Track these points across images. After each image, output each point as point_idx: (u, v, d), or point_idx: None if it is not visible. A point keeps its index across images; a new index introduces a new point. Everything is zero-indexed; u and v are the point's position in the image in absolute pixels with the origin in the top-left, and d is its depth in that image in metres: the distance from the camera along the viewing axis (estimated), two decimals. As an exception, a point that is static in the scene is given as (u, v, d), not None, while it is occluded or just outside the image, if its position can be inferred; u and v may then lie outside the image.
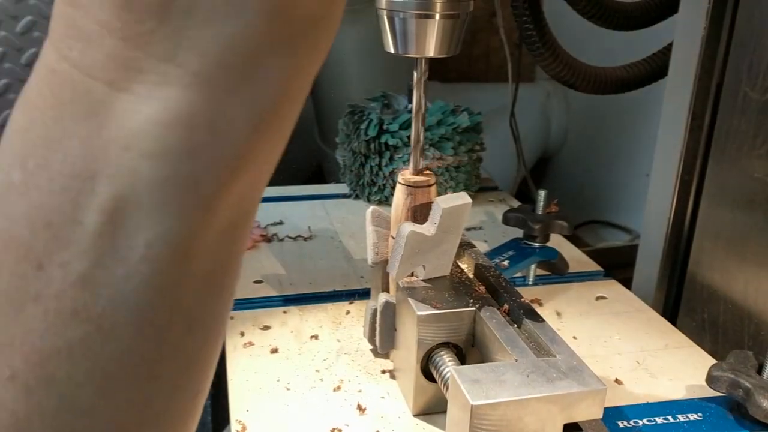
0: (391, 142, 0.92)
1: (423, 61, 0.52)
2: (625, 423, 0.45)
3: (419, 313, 0.50)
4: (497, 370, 0.43)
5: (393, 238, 0.55)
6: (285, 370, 0.57)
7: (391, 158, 0.93)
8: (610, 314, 0.69)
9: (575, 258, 0.81)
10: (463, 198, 0.51)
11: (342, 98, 1.41)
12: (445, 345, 0.51)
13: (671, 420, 0.46)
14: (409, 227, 0.50)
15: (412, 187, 0.54)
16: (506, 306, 0.52)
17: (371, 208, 0.58)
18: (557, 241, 0.82)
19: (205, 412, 1.33)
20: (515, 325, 0.50)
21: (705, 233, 0.71)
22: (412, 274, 0.54)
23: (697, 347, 0.64)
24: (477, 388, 0.41)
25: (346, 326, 0.65)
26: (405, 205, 0.54)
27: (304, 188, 1.02)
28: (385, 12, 0.50)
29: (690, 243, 0.76)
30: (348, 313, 0.67)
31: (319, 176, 1.77)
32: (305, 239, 0.84)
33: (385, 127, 0.93)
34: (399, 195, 0.54)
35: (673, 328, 0.68)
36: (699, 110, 0.75)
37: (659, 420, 0.46)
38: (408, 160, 0.92)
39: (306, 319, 0.66)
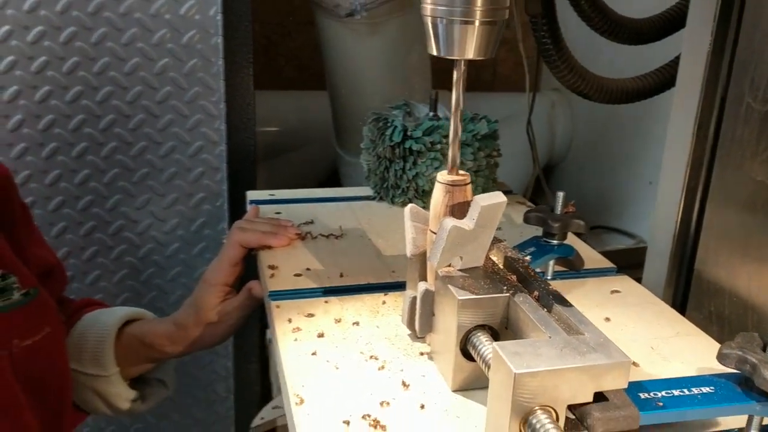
0: (415, 147, 0.98)
1: (462, 62, 0.58)
2: (646, 395, 0.51)
3: (460, 298, 0.55)
4: (534, 344, 0.49)
5: (432, 232, 0.61)
6: (332, 352, 0.63)
7: (414, 162, 0.99)
8: (624, 306, 0.75)
9: (589, 256, 0.87)
10: (498, 197, 0.57)
11: (360, 107, 1.48)
12: (481, 327, 0.57)
13: (686, 392, 0.52)
14: (451, 222, 0.56)
15: (450, 186, 0.60)
16: (536, 293, 0.58)
17: (410, 205, 0.64)
18: (572, 240, 0.88)
19: (252, 381, 1.35)
20: (545, 309, 0.56)
21: (711, 233, 0.77)
22: (449, 265, 0.60)
23: (705, 335, 0.70)
24: (518, 360, 0.47)
25: (383, 314, 0.71)
26: (443, 203, 0.60)
27: (331, 190, 1.08)
28: (429, 18, 0.56)
29: (696, 243, 0.82)
30: (384, 303, 0.73)
31: (334, 180, 1.83)
32: (337, 237, 0.90)
33: (409, 133, 0.99)
34: (438, 193, 0.60)
35: (683, 318, 0.74)
36: (705, 120, 0.81)
37: (676, 392, 0.52)
38: (430, 165, 0.99)
39: (346, 308, 0.71)
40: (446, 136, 0.99)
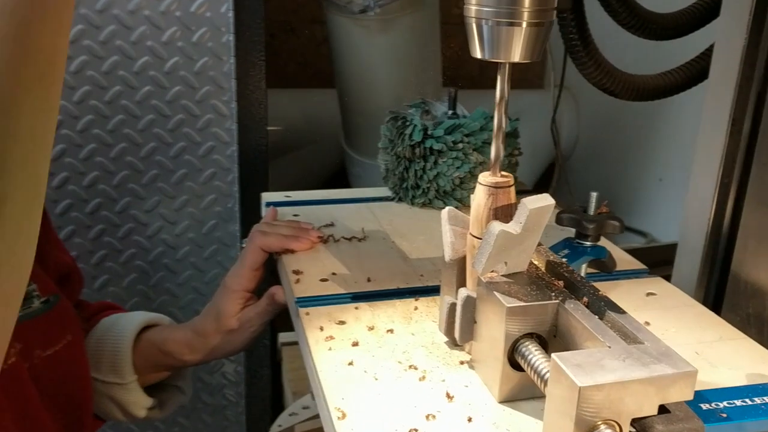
0: (435, 146, 0.95)
1: (507, 65, 0.56)
2: (708, 405, 0.49)
3: (508, 305, 0.53)
4: (595, 355, 0.46)
5: (472, 235, 0.59)
6: (369, 362, 0.61)
7: (435, 162, 0.96)
8: (661, 309, 0.73)
9: (618, 257, 0.85)
10: (546, 199, 0.55)
11: (370, 105, 1.45)
12: (528, 335, 0.55)
13: (749, 402, 0.50)
14: (499, 226, 0.54)
15: (494, 188, 0.57)
16: (585, 299, 0.55)
17: (447, 208, 0.62)
18: (602, 241, 0.86)
19: (263, 386, 1.33)
20: (597, 316, 0.53)
21: (749, 233, 0.75)
22: (492, 270, 0.58)
23: (748, 338, 0.68)
24: (582, 372, 0.44)
25: (417, 321, 0.68)
26: (487, 205, 0.57)
27: (348, 191, 1.06)
28: (473, 20, 0.54)
29: (730, 242, 0.80)
30: (416, 309, 0.71)
31: (340, 179, 1.81)
32: (360, 240, 0.87)
33: (429, 132, 0.96)
34: (481, 196, 0.58)
35: (723, 321, 0.71)
36: (739, 115, 0.79)
37: (738, 402, 0.50)
38: (452, 164, 0.96)
39: (378, 315, 0.69)
40: (468, 135, 0.97)
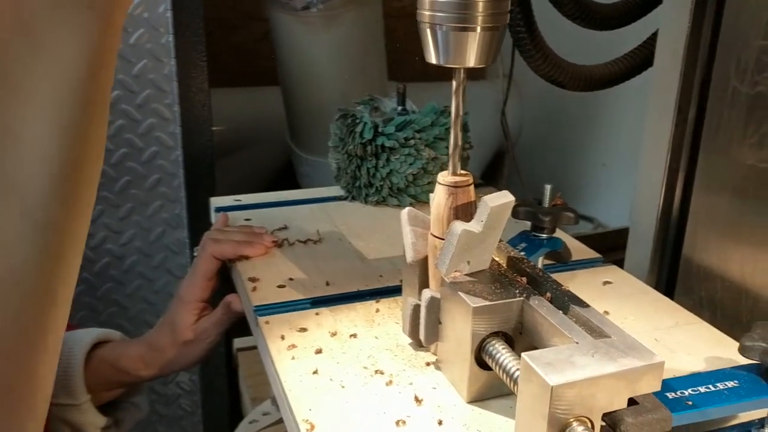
0: (387, 144, 0.94)
1: (462, 70, 0.55)
2: (674, 394, 0.50)
3: (474, 305, 0.53)
4: (564, 352, 0.46)
5: (434, 236, 0.58)
6: (334, 369, 0.59)
7: (387, 159, 0.96)
8: (618, 298, 0.74)
9: (572, 246, 0.85)
10: (506, 196, 0.55)
11: (316, 103, 1.43)
12: (495, 334, 0.54)
13: (712, 388, 0.50)
14: (461, 226, 0.53)
15: (453, 187, 0.57)
16: (548, 294, 0.55)
17: (407, 208, 0.61)
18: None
19: (220, 394, 1.30)
20: (561, 311, 0.53)
21: (698, 218, 0.77)
22: (456, 270, 0.57)
23: (705, 323, 0.69)
24: (552, 370, 0.44)
25: (380, 323, 0.67)
26: (447, 205, 0.57)
27: (300, 192, 1.04)
28: (427, 25, 0.53)
29: (681, 227, 0.82)
30: (378, 311, 0.70)
31: (287, 180, 1.78)
32: (315, 242, 0.86)
33: (380, 129, 0.95)
34: (441, 195, 0.57)
35: (678, 306, 0.73)
36: (684, 102, 0.80)
37: (702, 389, 0.50)
38: (404, 161, 0.95)
39: (339, 320, 0.68)
40: (419, 131, 0.96)
